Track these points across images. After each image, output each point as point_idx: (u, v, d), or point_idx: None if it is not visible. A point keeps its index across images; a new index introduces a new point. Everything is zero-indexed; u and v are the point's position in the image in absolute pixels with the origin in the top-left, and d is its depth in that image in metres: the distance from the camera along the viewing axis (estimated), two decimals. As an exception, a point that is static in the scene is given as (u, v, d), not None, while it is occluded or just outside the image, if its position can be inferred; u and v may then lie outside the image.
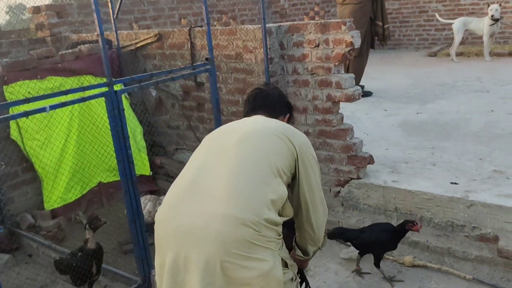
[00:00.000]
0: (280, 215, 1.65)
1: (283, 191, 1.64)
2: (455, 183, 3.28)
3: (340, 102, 3.50)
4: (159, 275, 1.62)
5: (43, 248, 3.38)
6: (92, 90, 2.43)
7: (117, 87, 2.50)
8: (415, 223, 2.76)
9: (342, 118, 3.54)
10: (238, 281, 1.50)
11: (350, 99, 3.37)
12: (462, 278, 2.81)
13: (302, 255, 1.95)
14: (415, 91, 6.23)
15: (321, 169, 3.64)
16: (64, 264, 2.73)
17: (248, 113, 2.06)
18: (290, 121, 2.14)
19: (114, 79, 2.46)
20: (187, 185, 1.63)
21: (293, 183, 1.79)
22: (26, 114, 2.05)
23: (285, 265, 1.68)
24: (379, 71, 7.57)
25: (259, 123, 1.84)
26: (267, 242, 1.53)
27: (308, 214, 1.79)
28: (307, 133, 3.64)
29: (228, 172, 1.60)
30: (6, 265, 3.33)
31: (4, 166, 3.61)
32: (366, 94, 6.23)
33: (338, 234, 3.02)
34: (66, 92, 2.25)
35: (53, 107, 2.16)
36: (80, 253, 2.73)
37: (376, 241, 2.83)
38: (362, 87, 6.29)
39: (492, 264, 2.87)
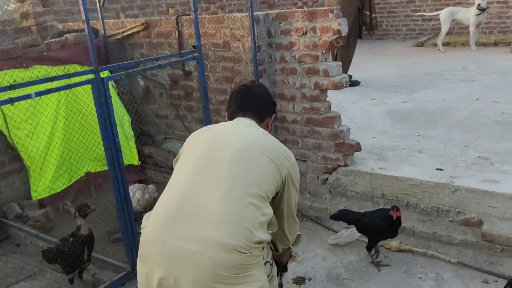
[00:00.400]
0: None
1: (270, 212, 1.71)
2: (441, 170, 3.32)
3: (328, 90, 3.52)
4: (144, 284, 1.62)
5: (31, 238, 3.36)
6: (78, 77, 2.41)
7: (104, 74, 2.48)
8: (395, 209, 2.81)
9: (329, 106, 3.56)
10: None
11: (337, 86, 3.39)
12: (447, 262, 2.86)
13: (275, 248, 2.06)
14: (402, 81, 6.28)
15: (309, 157, 3.68)
16: (52, 252, 2.72)
17: (234, 112, 2.01)
18: (274, 120, 2.16)
19: (100, 66, 2.44)
20: (178, 204, 1.60)
21: (273, 199, 1.85)
22: (11, 100, 2.04)
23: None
24: (367, 61, 7.61)
25: (251, 137, 1.81)
26: (255, 258, 1.59)
27: (282, 224, 1.92)
28: (295, 121, 3.66)
29: (222, 195, 1.60)
30: (-6, 255, 3.31)
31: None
32: (354, 83, 6.26)
33: (342, 216, 3.04)
34: (51, 79, 2.23)
35: (38, 94, 2.14)
36: (72, 239, 2.72)
37: (374, 226, 2.86)
38: (350, 76, 6.32)
39: (476, 248, 2.93)
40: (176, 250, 1.51)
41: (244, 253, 1.52)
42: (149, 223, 1.61)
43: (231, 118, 2.01)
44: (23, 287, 2.83)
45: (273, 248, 2.05)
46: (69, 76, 2.35)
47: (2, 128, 3.74)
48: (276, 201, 1.86)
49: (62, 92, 3.94)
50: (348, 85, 3.96)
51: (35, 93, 2.10)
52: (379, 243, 3.04)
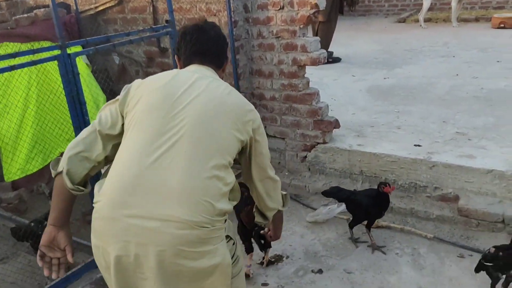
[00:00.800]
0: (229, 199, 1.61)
1: (233, 179, 1.59)
2: (419, 145, 3.31)
3: (306, 67, 3.45)
4: (101, 257, 1.53)
5: (3, 220, 3.28)
6: (44, 53, 2.30)
7: (71, 50, 2.38)
8: (387, 184, 2.77)
9: (308, 83, 3.51)
10: (194, 276, 1.49)
11: (315, 62, 3.33)
12: (424, 237, 2.87)
13: (262, 220, 1.95)
14: (383, 57, 6.24)
15: (288, 135, 3.64)
16: (23, 231, 2.65)
17: (190, 58, 1.77)
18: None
19: (67, 42, 2.34)
20: (135, 179, 1.46)
21: (242, 156, 1.71)
22: (-31, 78, 1.93)
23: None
24: (349, 38, 7.54)
25: (214, 94, 1.61)
26: (218, 231, 1.51)
27: (256, 186, 1.79)
28: (273, 98, 3.60)
29: (183, 169, 1.47)
30: (-36, 238, 3.23)
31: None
32: (335, 60, 6.21)
33: (333, 193, 2.99)
34: (14, 55, 2.12)
35: (1, 71, 2.04)
36: (45, 222, 2.65)
37: (360, 204, 2.82)
38: (331, 53, 6.26)
39: (453, 222, 2.95)
40: (133, 227, 1.43)
41: (207, 227, 1.45)
42: (103, 201, 1.49)
43: (185, 64, 1.78)
44: (-5, 271, 2.76)
45: (262, 216, 1.92)
46: (33, 52, 2.23)
47: (-30, 108, 3.60)
48: (246, 157, 1.70)
49: (33, 72, 3.81)
50: (326, 61, 3.90)
51: (-3, 69, 2.00)
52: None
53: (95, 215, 1.51)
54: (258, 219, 1.96)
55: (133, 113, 1.57)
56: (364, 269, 2.67)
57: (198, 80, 1.63)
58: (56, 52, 2.31)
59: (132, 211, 1.44)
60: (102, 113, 1.65)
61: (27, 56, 2.27)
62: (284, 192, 1.96)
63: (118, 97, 1.66)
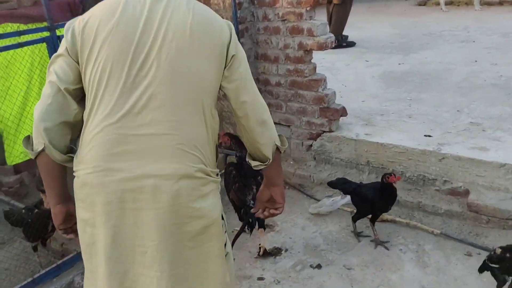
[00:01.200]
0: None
1: (216, 116, 1.48)
2: (429, 136, 3.16)
3: (313, 51, 3.30)
4: (86, 231, 1.42)
5: (2, 205, 3.25)
6: (31, 35, 2.22)
7: (61, 32, 2.28)
8: (392, 174, 2.62)
9: (314, 68, 3.36)
10: (195, 235, 1.42)
11: (322, 47, 3.17)
12: (430, 233, 2.74)
13: (261, 162, 1.58)
14: (399, 41, 6.01)
15: (293, 122, 3.51)
16: (15, 217, 2.61)
17: None
18: None
19: (56, 23, 2.24)
20: (118, 141, 1.34)
21: (223, 82, 1.47)
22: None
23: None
24: (365, 21, 7.30)
25: (175, 22, 1.36)
26: (212, 183, 1.45)
27: (248, 108, 1.49)
28: (278, 84, 3.47)
29: (167, 121, 1.35)
30: (-37, 222, 3.21)
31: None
32: (349, 44, 6.01)
33: (339, 185, 2.86)
34: (-1, 37, 2.04)
35: (-18, 53, 1.97)
36: (36, 210, 2.61)
37: (366, 197, 2.68)
38: (346, 37, 6.07)
39: (462, 218, 2.80)
40: (127, 192, 1.34)
41: (202, 178, 1.39)
42: (87, 169, 1.37)
43: None
44: (-10, 257, 2.74)
45: (260, 161, 1.58)
46: (19, 34, 2.15)
47: (-29, 91, 3.57)
48: (228, 90, 1.47)
49: (36, 54, 3.75)
50: (335, 46, 3.76)
51: (-19, 52, 1.92)
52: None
53: (79, 184, 1.40)
54: (254, 163, 1.59)
55: (91, 68, 1.36)
56: (364, 265, 2.55)
57: (153, 5, 1.38)
58: (46, 33, 2.22)
59: (122, 175, 1.34)
60: (56, 68, 1.39)
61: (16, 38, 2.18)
62: (281, 134, 1.65)
63: (61, 50, 1.40)
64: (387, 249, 2.66)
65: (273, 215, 1.75)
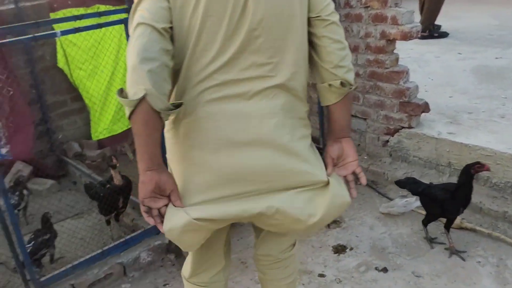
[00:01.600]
0: None
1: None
2: (523, 140, 2.84)
3: (396, 41, 3.10)
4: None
5: (85, 177, 3.47)
6: (110, 16, 2.29)
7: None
8: (480, 163, 2.37)
9: (397, 59, 3.15)
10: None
11: (406, 36, 2.96)
12: (515, 247, 2.48)
13: (337, 94, 1.44)
14: (499, 33, 5.48)
15: (370, 115, 3.35)
16: (93, 190, 2.76)
17: None
18: None
19: (136, 6, 2.29)
20: (222, 84, 1.32)
21: None
22: (34, 38, 1.97)
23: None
24: (462, 10, 6.75)
25: None
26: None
27: (326, 28, 1.40)
28: (357, 75, 3.30)
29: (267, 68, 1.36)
30: (50, 189, 3.47)
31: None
32: (441, 35, 5.59)
33: (407, 184, 2.69)
34: (80, 17, 2.12)
35: (64, 33, 2.06)
36: (108, 185, 2.74)
37: (435, 198, 2.49)
38: (439, 27, 5.66)
39: (554, 234, 2.50)
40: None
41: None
42: (199, 153, 1.35)
43: None
44: (69, 224, 2.93)
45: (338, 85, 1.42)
46: (99, 14, 2.23)
47: (64, 68, 3.82)
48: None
49: (123, 36, 3.91)
50: (426, 36, 3.50)
51: (61, 31, 2.02)
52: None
53: (198, 169, 1.37)
54: (330, 96, 1.46)
55: (192, 12, 1.27)
56: (436, 275, 2.37)
57: None
58: (124, 15, 2.28)
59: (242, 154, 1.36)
60: (147, 6, 1.24)
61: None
62: None
63: None
64: (463, 259, 2.45)
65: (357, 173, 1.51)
